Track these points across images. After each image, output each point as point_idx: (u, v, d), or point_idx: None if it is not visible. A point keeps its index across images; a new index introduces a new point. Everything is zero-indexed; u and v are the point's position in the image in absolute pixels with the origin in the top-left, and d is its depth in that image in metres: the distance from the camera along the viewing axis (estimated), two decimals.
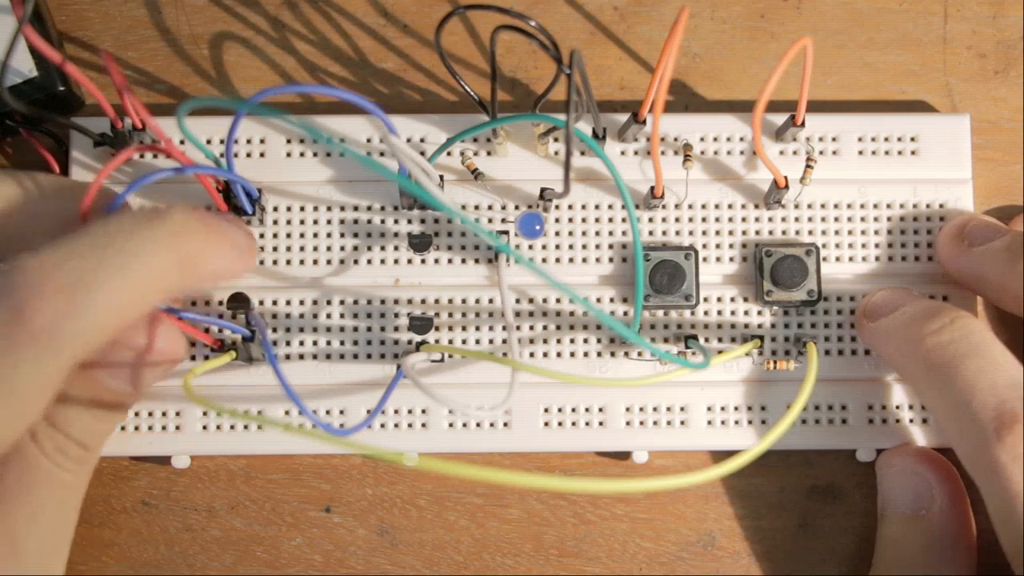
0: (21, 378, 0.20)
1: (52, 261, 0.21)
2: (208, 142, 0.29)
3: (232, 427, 0.28)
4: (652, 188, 0.28)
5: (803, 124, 0.28)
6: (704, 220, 0.29)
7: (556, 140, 0.29)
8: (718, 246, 0.29)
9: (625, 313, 0.29)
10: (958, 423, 0.24)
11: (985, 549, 0.27)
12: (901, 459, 0.28)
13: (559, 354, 0.29)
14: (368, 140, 0.29)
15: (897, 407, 0.28)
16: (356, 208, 0.29)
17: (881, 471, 0.28)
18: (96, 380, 0.25)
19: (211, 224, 0.23)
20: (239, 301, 0.28)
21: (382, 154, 0.29)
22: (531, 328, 0.29)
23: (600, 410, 0.28)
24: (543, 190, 0.29)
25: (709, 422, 0.28)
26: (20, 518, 0.24)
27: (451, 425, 0.28)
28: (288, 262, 0.29)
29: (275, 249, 0.29)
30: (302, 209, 0.29)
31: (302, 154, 0.29)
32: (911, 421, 0.28)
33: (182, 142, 0.29)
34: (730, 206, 0.29)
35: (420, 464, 0.18)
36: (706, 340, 0.29)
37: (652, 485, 0.19)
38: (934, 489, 0.27)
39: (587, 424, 0.28)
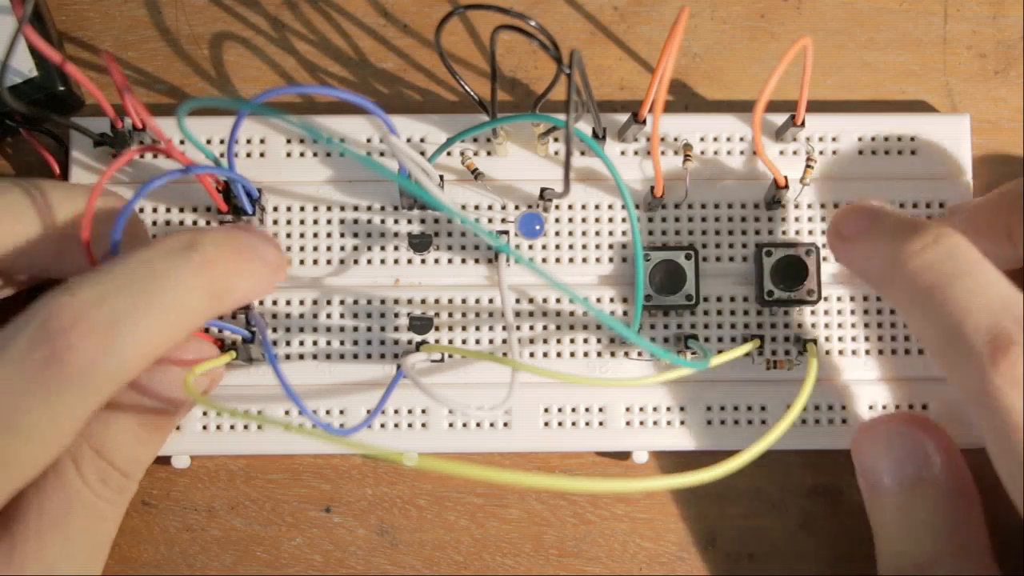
0: (54, 417, 0.21)
1: (87, 300, 0.21)
2: (208, 142, 0.29)
3: (232, 427, 0.28)
4: (652, 188, 0.28)
5: (803, 124, 0.28)
6: (704, 220, 0.29)
7: (556, 140, 0.29)
8: (718, 246, 0.29)
9: (625, 313, 0.29)
10: (950, 348, 0.22)
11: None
12: (884, 426, 0.27)
13: (559, 354, 0.29)
14: (368, 140, 0.29)
15: (897, 407, 0.28)
16: (356, 208, 0.29)
17: (863, 446, 0.27)
18: (139, 400, 0.25)
19: (242, 248, 0.23)
20: None
21: (382, 154, 0.29)
22: (531, 328, 0.29)
23: (600, 410, 0.28)
24: (543, 190, 0.29)
25: (709, 422, 0.28)
26: (57, 549, 0.24)
27: (451, 425, 0.28)
28: (288, 262, 0.29)
29: None
30: (302, 209, 0.29)
31: (302, 154, 0.29)
32: None
33: (182, 142, 0.29)
34: (730, 206, 0.29)
35: (420, 464, 0.18)
36: (706, 340, 0.29)
37: (652, 485, 0.19)
38: (928, 447, 0.26)
39: (587, 424, 0.28)
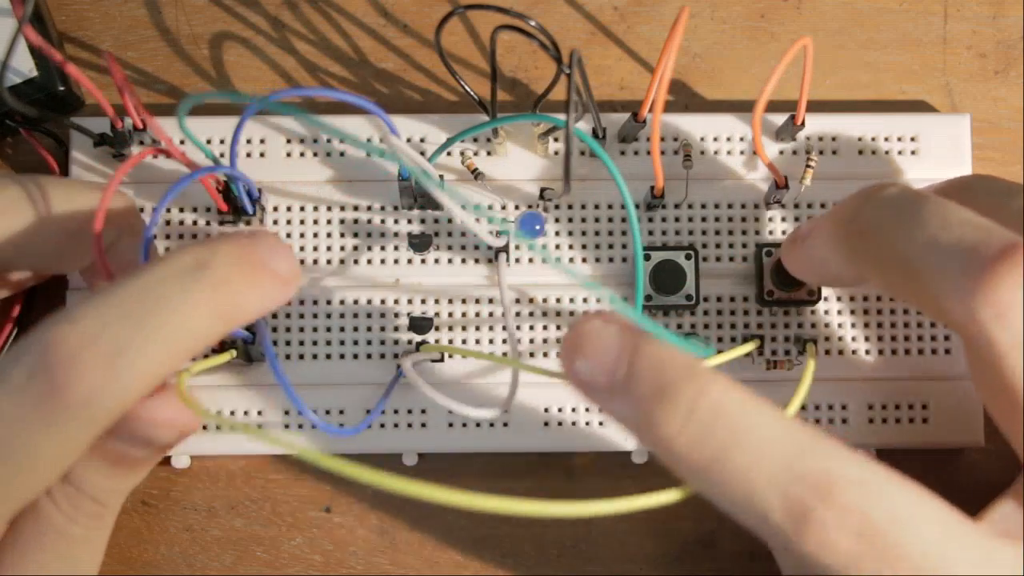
0: (53, 446, 0.20)
1: (88, 330, 0.20)
2: (208, 142, 0.29)
3: (232, 427, 0.28)
4: (652, 188, 0.28)
5: (803, 124, 0.28)
6: (704, 220, 0.29)
7: (556, 140, 0.29)
8: (718, 246, 0.29)
9: None
10: (749, 523, 0.20)
11: None
12: None
13: (559, 354, 0.28)
14: (368, 140, 0.29)
15: (897, 407, 0.28)
16: (356, 208, 0.29)
17: None
18: (107, 445, 0.24)
19: (256, 264, 0.22)
20: None
21: (382, 154, 0.29)
22: (531, 328, 0.29)
23: (600, 409, 0.28)
24: (543, 190, 0.29)
25: None
26: (34, 571, 0.24)
27: (451, 425, 0.28)
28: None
29: None
30: (302, 209, 0.29)
31: (302, 154, 0.29)
32: (911, 421, 0.28)
33: (182, 142, 0.29)
34: (730, 206, 0.29)
35: (407, 489, 0.17)
36: (706, 340, 0.29)
37: (647, 501, 0.19)
38: None
39: (587, 424, 0.28)
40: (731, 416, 0.19)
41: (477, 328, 0.29)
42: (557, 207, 0.29)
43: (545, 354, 0.29)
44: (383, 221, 0.29)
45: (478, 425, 0.28)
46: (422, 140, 0.29)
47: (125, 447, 0.24)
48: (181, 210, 0.29)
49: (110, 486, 0.25)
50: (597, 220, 0.29)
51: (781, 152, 0.29)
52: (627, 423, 0.20)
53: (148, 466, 0.26)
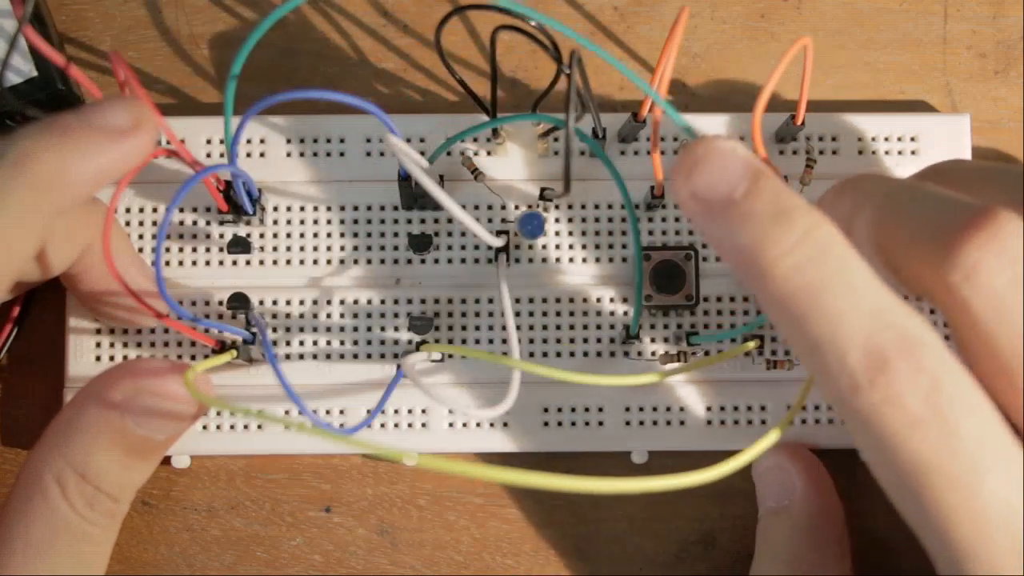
0: None
1: None
2: (208, 142, 0.29)
3: (232, 427, 0.28)
4: (652, 188, 0.28)
5: (803, 124, 0.28)
6: None
7: (556, 140, 0.29)
8: None
9: (625, 313, 0.29)
10: (820, 360, 0.20)
11: (856, 534, 0.27)
12: (769, 458, 0.28)
13: (559, 354, 0.29)
14: (368, 140, 0.29)
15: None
16: (356, 208, 0.29)
17: (755, 475, 0.28)
18: (124, 428, 0.24)
19: (67, 129, 0.21)
20: (239, 301, 0.28)
21: (382, 154, 0.29)
22: (531, 328, 0.29)
23: (600, 410, 0.28)
24: (543, 190, 0.29)
25: (709, 422, 0.28)
26: (42, 573, 0.24)
27: (451, 425, 0.28)
28: (288, 262, 0.29)
29: (275, 249, 0.29)
30: (302, 209, 0.29)
31: (302, 154, 0.29)
32: None
33: (182, 141, 0.29)
34: None
35: (420, 463, 0.18)
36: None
37: (652, 485, 0.19)
38: (795, 479, 0.27)
39: (587, 424, 0.28)
40: (837, 251, 0.20)
41: (477, 328, 0.29)
42: (557, 207, 0.29)
43: (545, 354, 0.29)
44: (383, 221, 0.29)
45: (478, 425, 0.28)
46: (422, 140, 0.29)
47: (142, 429, 0.25)
48: (181, 210, 0.29)
49: (126, 479, 0.25)
50: (597, 220, 0.29)
51: (781, 152, 0.29)
52: (730, 244, 0.20)
53: (162, 452, 0.26)
